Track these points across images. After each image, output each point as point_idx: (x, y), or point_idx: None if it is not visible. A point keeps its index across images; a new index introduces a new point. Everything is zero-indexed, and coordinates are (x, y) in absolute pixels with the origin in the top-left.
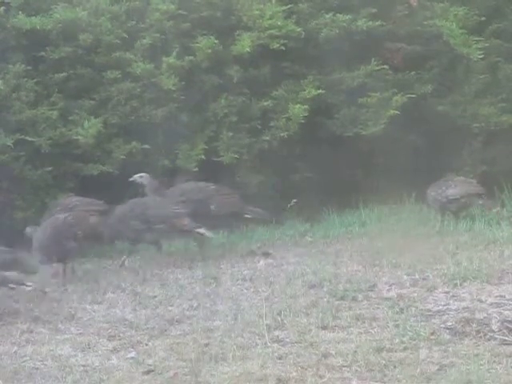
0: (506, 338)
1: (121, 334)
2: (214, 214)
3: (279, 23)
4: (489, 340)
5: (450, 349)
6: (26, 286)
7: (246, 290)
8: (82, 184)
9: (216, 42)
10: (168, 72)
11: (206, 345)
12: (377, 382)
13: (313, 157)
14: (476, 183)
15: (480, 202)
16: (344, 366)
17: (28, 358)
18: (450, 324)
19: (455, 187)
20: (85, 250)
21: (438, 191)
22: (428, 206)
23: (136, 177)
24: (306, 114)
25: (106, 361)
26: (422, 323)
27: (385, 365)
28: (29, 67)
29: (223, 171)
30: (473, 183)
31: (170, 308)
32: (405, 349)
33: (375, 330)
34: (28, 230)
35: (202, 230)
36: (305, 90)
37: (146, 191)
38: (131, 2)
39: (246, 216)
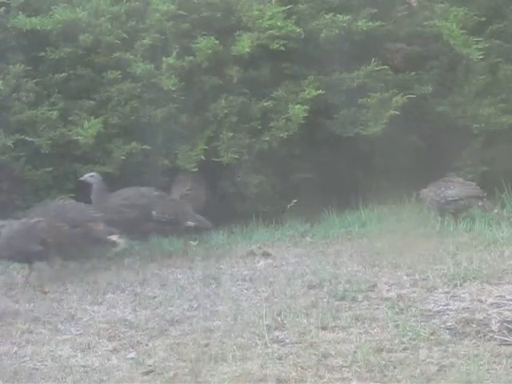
0: (506, 339)
1: (121, 335)
2: (155, 220)
3: (279, 24)
4: (489, 340)
5: (450, 349)
6: None
7: (245, 291)
8: (82, 185)
9: (216, 42)
10: (168, 72)
11: (206, 345)
12: (377, 382)
13: (313, 157)
14: (475, 185)
15: (480, 204)
16: (344, 367)
17: (28, 358)
18: (450, 324)
19: (454, 188)
20: (83, 252)
21: (437, 192)
22: (426, 206)
23: (86, 176)
24: (306, 115)
25: (106, 361)
26: (422, 323)
27: (385, 365)
28: (29, 67)
29: (223, 171)
30: (472, 185)
31: (170, 308)
32: (405, 349)
33: (375, 330)
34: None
35: (114, 237)
36: (305, 91)
37: (92, 191)
38: (131, 3)
39: (189, 223)
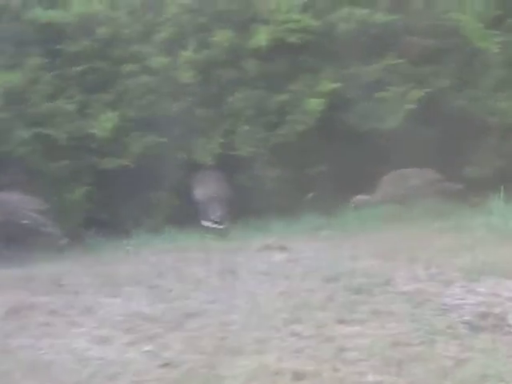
0: None
1: (137, 328)
2: (18, 225)
3: (296, 17)
4: (505, 334)
5: (467, 343)
6: None
7: (262, 284)
8: (99, 177)
9: (233, 35)
10: (185, 66)
11: (223, 338)
12: (393, 376)
13: (329, 151)
14: (433, 171)
15: (444, 184)
16: (360, 360)
17: (44, 351)
18: (467, 318)
19: (414, 177)
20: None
21: (398, 183)
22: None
23: None
24: (323, 108)
25: (123, 354)
26: (439, 317)
27: (401, 359)
28: (46, 60)
29: (240, 165)
30: (429, 171)
31: (186, 301)
32: (421, 343)
33: (392, 324)
34: None
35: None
36: (321, 84)
37: None
38: None
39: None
